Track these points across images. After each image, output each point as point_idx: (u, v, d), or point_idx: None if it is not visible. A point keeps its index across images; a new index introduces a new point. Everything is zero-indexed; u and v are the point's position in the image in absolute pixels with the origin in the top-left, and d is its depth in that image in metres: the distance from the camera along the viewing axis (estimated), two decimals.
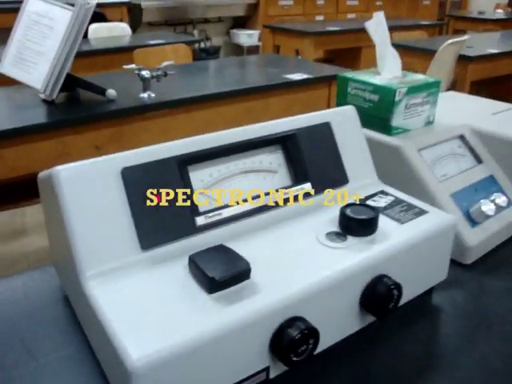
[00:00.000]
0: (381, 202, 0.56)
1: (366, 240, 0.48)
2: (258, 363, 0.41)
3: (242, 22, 5.69)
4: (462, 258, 0.64)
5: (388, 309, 0.46)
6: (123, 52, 2.48)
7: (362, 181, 0.59)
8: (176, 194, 0.47)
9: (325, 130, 0.58)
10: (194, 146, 0.50)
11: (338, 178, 0.57)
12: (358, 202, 0.51)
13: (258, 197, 0.51)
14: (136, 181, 0.46)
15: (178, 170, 0.48)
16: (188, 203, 0.47)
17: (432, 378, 0.47)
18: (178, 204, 0.47)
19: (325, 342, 0.44)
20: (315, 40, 3.66)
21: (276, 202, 0.52)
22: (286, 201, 0.53)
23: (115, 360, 0.36)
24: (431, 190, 0.65)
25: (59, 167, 0.45)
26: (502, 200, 0.67)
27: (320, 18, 5.65)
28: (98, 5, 4.39)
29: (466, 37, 2.69)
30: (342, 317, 0.46)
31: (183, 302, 0.40)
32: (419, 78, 0.74)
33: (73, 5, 1.52)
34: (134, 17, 4.77)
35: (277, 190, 0.53)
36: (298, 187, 0.54)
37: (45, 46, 1.56)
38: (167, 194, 0.47)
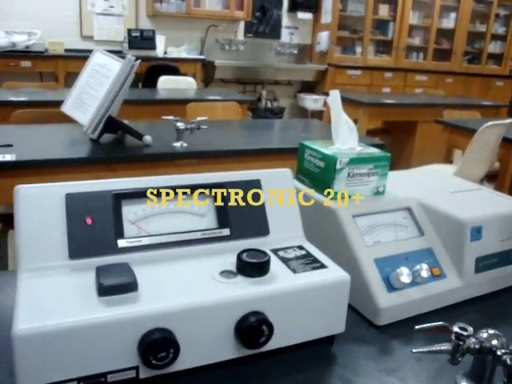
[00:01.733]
0: (290, 254, 0.65)
1: (253, 280, 0.57)
2: (128, 361, 0.50)
3: (310, 87, 5.93)
4: (374, 319, 0.70)
5: (258, 342, 0.54)
6: (180, 104, 2.71)
7: (284, 234, 0.68)
8: (106, 219, 0.59)
9: (254, 185, 0.68)
10: (131, 184, 0.62)
11: (259, 229, 0.66)
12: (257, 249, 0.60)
13: (178, 233, 0.62)
14: (76, 204, 0.58)
15: (111, 201, 0.60)
16: (114, 228, 0.59)
17: None
18: (106, 228, 0.58)
19: (196, 360, 0.53)
20: (370, 110, 3.79)
21: (194, 240, 0.62)
22: (203, 241, 0.63)
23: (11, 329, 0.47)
24: (355, 253, 0.72)
25: (20, 185, 0.58)
26: (424, 271, 0.73)
27: (387, 90, 5.78)
28: (175, 59, 4.78)
29: (510, 120, 2.71)
30: (215, 342, 0.54)
31: (77, 299, 0.51)
32: (372, 151, 0.82)
33: None
34: (208, 73, 5.13)
35: (198, 231, 0.63)
36: (218, 231, 0.64)
37: (99, 92, 1.78)
38: (99, 218, 0.58)
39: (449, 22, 6.20)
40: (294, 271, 0.60)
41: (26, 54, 4.57)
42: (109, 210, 0.59)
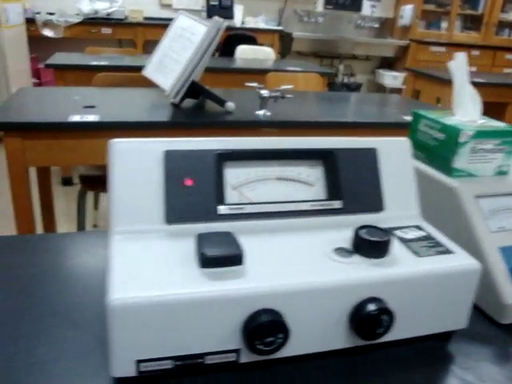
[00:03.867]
0: (409, 234, 0.56)
1: (372, 262, 0.49)
2: (229, 342, 0.44)
3: (389, 63, 5.68)
4: (497, 316, 0.61)
5: (375, 333, 0.47)
6: (259, 73, 2.64)
7: (400, 212, 0.60)
8: (207, 181, 0.53)
9: (369, 155, 0.59)
10: (235, 144, 0.55)
11: (373, 204, 0.58)
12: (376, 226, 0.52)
13: (285, 202, 0.55)
14: (175, 163, 0.52)
15: (214, 162, 0.53)
16: (215, 192, 0.53)
17: None
18: (206, 191, 0.52)
19: (303, 347, 0.46)
20: None
21: (302, 211, 0.55)
22: (312, 213, 0.56)
23: (105, 298, 0.42)
24: (478, 239, 0.63)
25: (115, 140, 0.53)
26: None
27: (473, 69, 5.43)
28: (252, 29, 4.70)
29: None
30: (327, 329, 0.47)
31: (176, 269, 0.45)
32: (497, 125, 0.71)
33: None
34: (285, 44, 5.01)
35: (306, 201, 0.56)
36: (328, 202, 0.57)
37: (182, 56, 1.74)
38: (199, 180, 0.52)
39: None
40: (417, 254, 0.52)
41: (106, 21, 4.63)
42: (211, 171, 0.53)
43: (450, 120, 0.71)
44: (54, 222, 2.08)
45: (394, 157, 0.61)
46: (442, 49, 5.34)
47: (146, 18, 4.86)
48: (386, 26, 5.65)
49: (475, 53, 5.40)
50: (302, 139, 0.58)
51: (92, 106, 1.69)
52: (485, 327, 0.60)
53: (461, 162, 0.68)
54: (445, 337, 0.55)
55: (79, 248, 0.70)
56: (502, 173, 0.72)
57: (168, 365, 0.44)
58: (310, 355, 0.48)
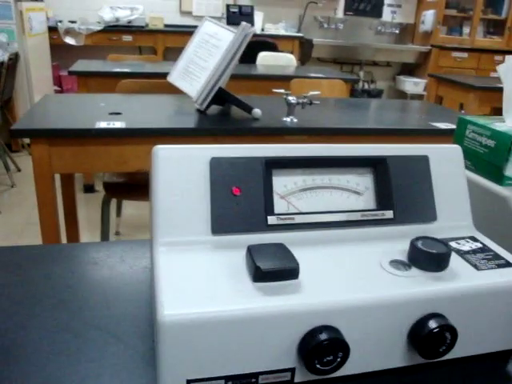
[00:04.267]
0: (465, 246, 0.54)
1: (431, 275, 0.47)
2: (284, 361, 0.42)
3: (410, 69, 5.63)
4: None
5: (437, 351, 0.44)
6: (282, 80, 2.62)
7: (453, 223, 0.57)
8: (255, 190, 0.50)
9: (421, 162, 0.57)
10: (283, 151, 0.53)
11: (425, 214, 0.56)
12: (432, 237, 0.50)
13: (335, 212, 0.53)
14: (221, 171, 0.50)
15: (262, 170, 0.51)
16: (264, 202, 0.50)
17: None
18: (254, 200, 0.50)
19: (361, 366, 0.44)
20: (481, 95, 3.49)
21: (352, 222, 0.53)
22: (363, 223, 0.53)
23: (156, 314, 0.40)
24: None
25: (159, 146, 0.51)
26: None
27: (495, 75, 5.34)
28: (272, 36, 4.69)
29: None
30: (385, 346, 0.45)
31: (227, 283, 0.43)
32: None
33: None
34: (305, 51, 5.00)
35: (356, 211, 0.53)
36: (379, 212, 0.54)
37: (209, 62, 1.73)
38: (247, 188, 0.50)
39: None
40: (477, 268, 0.49)
41: (128, 28, 4.66)
42: (259, 179, 0.51)
43: (500, 126, 0.68)
44: (77, 229, 2.08)
45: (446, 165, 0.58)
46: (465, 54, 5.27)
47: (166, 26, 4.88)
48: (407, 32, 5.61)
49: (498, 58, 5.32)
50: (351, 146, 0.56)
51: (118, 113, 1.69)
52: None
53: None
54: (505, 356, 0.52)
55: (114, 258, 0.69)
56: None
57: None
58: (367, 374, 0.45)
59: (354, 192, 0.55)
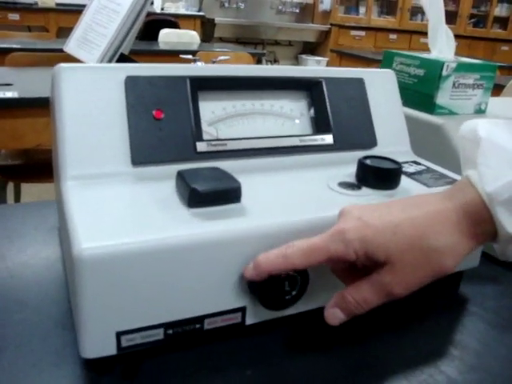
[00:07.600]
0: (410, 168, 0.50)
1: (385, 193, 0.42)
2: (233, 299, 0.35)
3: (311, 48, 5.72)
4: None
5: None
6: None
7: (393, 148, 0.53)
8: (180, 114, 0.43)
9: (357, 85, 0.52)
10: (209, 71, 0.46)
11: (365, 139, 0.52)
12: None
13: (272, 137, 0.47)
14: (139, 92, 0.42)
15: (186, 90, 0.44)
16: (191, 126, 0.43)
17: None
18: (180, 125, 0.43)
19: (317, 300, 0.39)
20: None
21: (291, 148, 0.47)
22: (303, 149, 0.48)
23: (71, 251, 0.32)
24: None
25: (63, 65, 0.42)
26: None
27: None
28: (173, 15, 4.54)
29: None
30: None
31: (157, 211, 0.35)
32: (475, 61, 0.67)
33: None
34: (206, 30, 4.90)
35: (294, 136, 0.48)
36: (318, 137, 0.49)
37: (109, 28, 1.59)
38: (171, 112, 0.43)
39: None
40: (428, 186, 0.46)
41: (14, 5, 4.29)
42: (184, 101, 0.44)
43: (428, 55, 0.66)
44: None
45: (382, 89, 0.55)
46: (362, 33, 5.45)
47: (58, 4, 4.55)
48: (307, 11, 5.68)
49: (393, 36, 5.56)
50: (285, 67, 0.50)
51: (8, 84, 1.52)
52: (490, 267, 0.56)
53: (443, 97, 0.63)
54: (455, 279, 0.50)
55: (13, 221, 0.58)
56: (480, 111, 0.68)
57: (157, 335, 0.34)
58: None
59: (289, 118, 0.49)
